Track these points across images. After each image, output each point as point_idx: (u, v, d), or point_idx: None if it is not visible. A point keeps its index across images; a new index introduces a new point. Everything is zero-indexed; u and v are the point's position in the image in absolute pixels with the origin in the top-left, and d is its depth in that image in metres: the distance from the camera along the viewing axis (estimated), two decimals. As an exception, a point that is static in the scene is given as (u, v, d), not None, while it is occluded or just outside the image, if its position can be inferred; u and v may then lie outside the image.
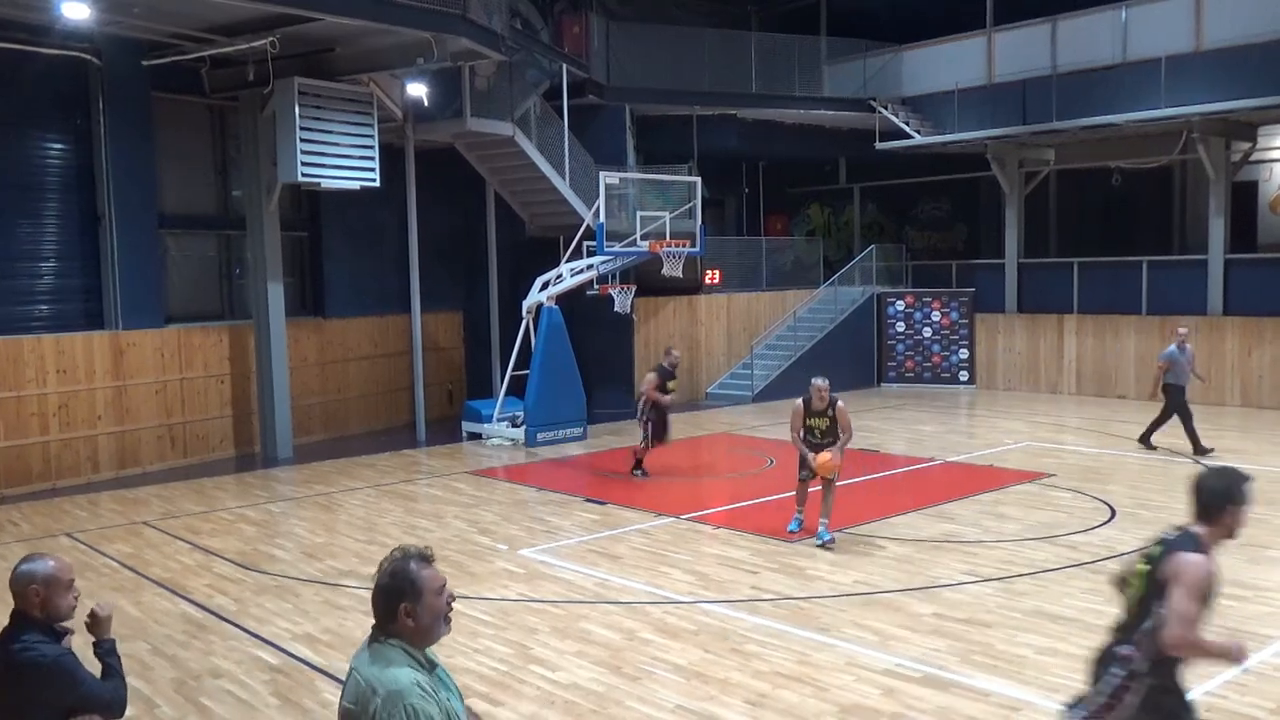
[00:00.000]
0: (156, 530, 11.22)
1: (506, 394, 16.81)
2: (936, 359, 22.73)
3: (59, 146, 14.05)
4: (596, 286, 16.99)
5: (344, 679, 3.18)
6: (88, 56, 13.78)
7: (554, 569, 9.43)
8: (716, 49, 22.04)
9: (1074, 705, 4.36)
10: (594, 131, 19.89)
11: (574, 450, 15.85)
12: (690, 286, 20.70)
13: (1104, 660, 4.22)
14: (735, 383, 21.44)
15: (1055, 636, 7.37)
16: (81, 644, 3.92)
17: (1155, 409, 14.72)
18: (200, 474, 14.35)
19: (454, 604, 3.20)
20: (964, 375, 22.44)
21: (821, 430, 9.97)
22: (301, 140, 14.03)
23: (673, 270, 16.40)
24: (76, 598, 3.87)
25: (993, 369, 22.22)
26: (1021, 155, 22.09)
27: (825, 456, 9.78)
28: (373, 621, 3.15)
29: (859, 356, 22.65)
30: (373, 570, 3.19)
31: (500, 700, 6.49)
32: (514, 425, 16.31)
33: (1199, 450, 13.96)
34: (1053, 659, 6.97)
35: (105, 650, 3.94)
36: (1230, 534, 4.21)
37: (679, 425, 15.89)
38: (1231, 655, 4.09)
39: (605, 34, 20.54)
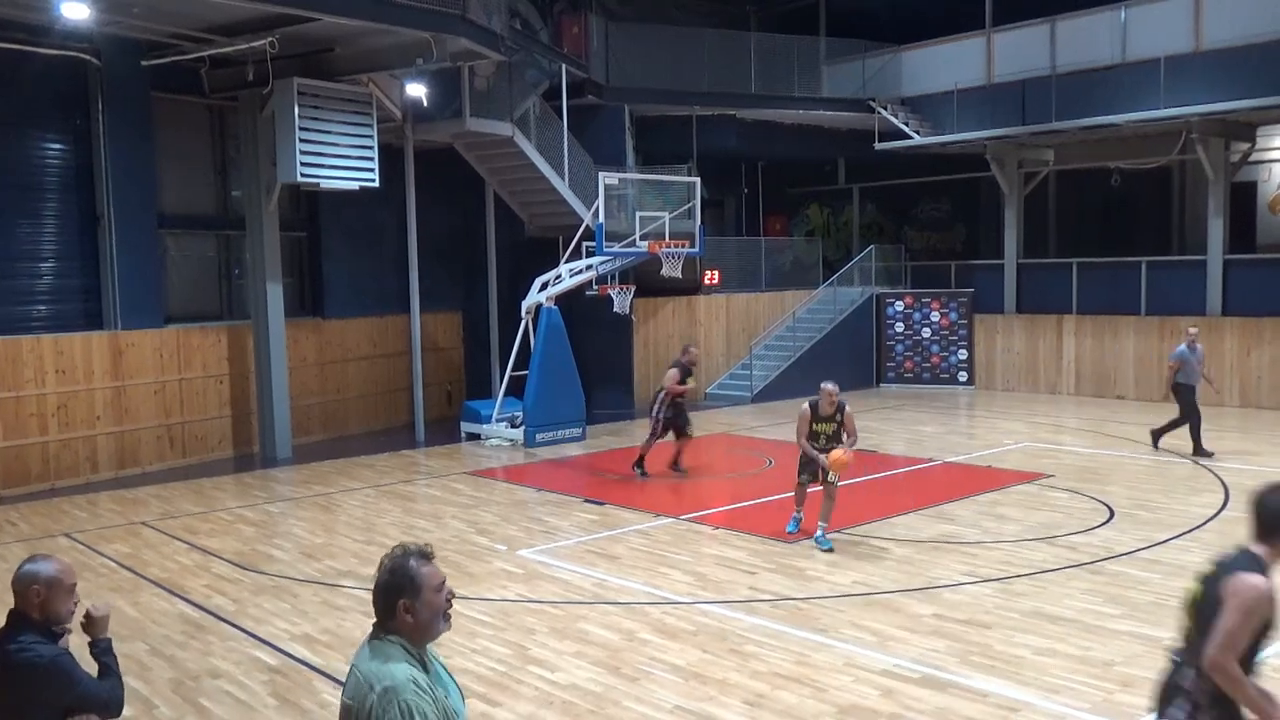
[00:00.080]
0: (155, 530, 11.22)
1: (505, 394, 16.81)
2: (935, 359, 22.73)
3: (58, 146, 14.05)
4: (596, 287, 16.99)
5: (345, 677, 3.19)
6: (87, 56, 13.78)
7: (552, 569, 9.43)
8: (716, 49, 22.04)
9: None
10: (593, 132, 19.90)
11: (573, 451, 15.85)
12: (689, 287, 20.70)
13: (1168, 693, 4.00)
14: (734, 383, 21.44)
15: (1054, 637, 7.37)
16: (79, 644, 3.92)
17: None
18: (199, 474, 14.35)
19: (453, 602, 3.21)
20: (963, 376, 22.44)
21: (828, 435, 9.93)
22: (301, 140, 14.03)
23: (672, 271, 16.39)
24: (76, 603, 3.87)
25: (992, 369, 22.22)
26: (1020, 156, 22.09)
27: (838, 453, 9.73)
28: (372, 621, 3.16)
29: (858, 357, 22.66)
30: (371, 571, 3.19)
31: (498, 701, 6.49)
32: (513, 426, 16.31)
33: (1199, 452, 13.96)
34: (1051, 660, 6.97)
35: (101, 650, 3.94)
36: None
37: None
38: (1264, 713, 3.77)
39: (604, 34, 20.54)
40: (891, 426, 17.41)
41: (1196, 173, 20.48)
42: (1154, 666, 6.78)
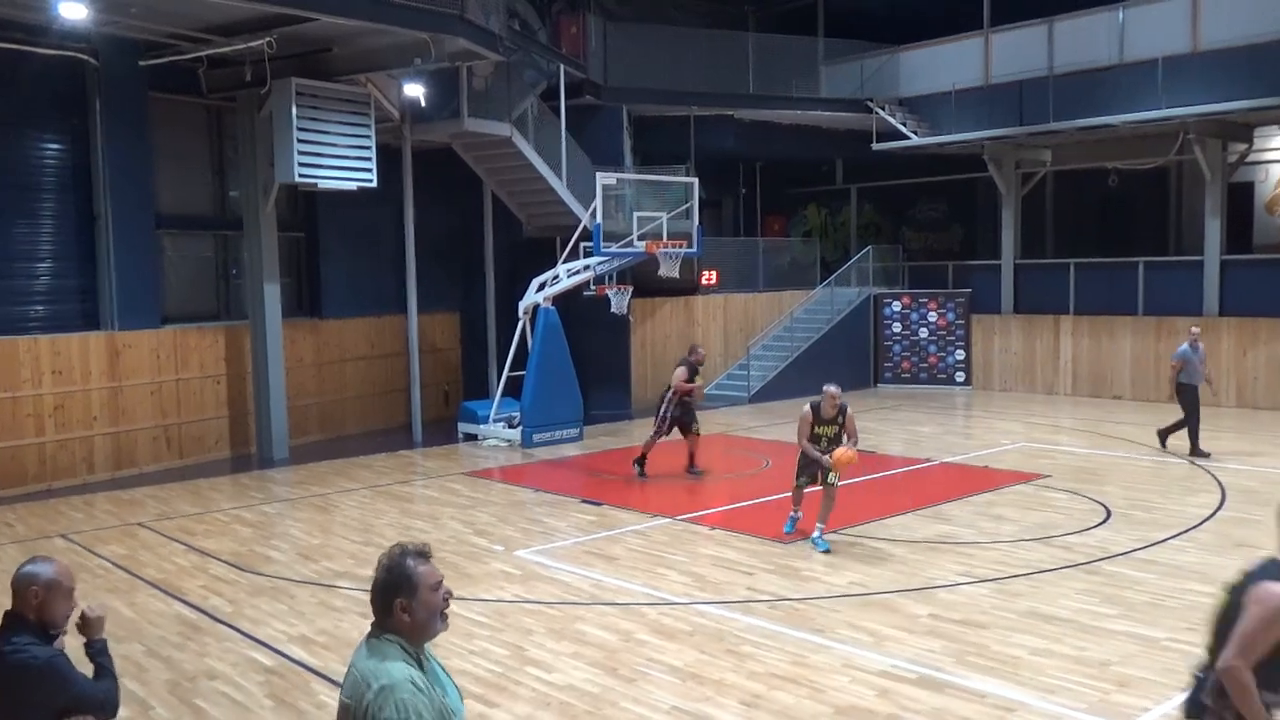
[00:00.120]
0: (151, 531, 11.21)
1: (503, 395, 16.80)
2: (933, 360, 22.75)
3: (55, 146, 14.03)
4: (593, 287, 16.98)
5: (342, 677, 3.19)
6: (84, 56, 13.76)
7: (550, 570, 9.43)
8: (714, 49, 22.04)
9: None
10: (591, 132, 19.89)
11: (570, 451, 15.85)
12: (687, 287, 20.70)
13: (1191, 709, 3.93)
14: (731, 383, 21.45)
15: (1050, 637, 7.38)
16: (74, 645, 3.92)
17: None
18: (196, 475, 14.33)
19: (451, 602, 3.22)
20: (960, 376, 22.45)
21: (829, 438, 9.91)
22: (298, 140, 14.02)
23: (669, 271, 16.39)
24: (73, 608, 3.87)
25: (989, 370, 22.24)
26: (1018, 156, 22.10)
27: (843, 452, 9.70)
28: (369, 621, 3.17)
29: (855, 357, 22.66)
30: (368, 572, 3.19)
31: (496, 702, 6.49)
32: (510, 426, 16.30)
33: (1196, 452, 13.97)
34: (1047, 660, 6.97)
35: (97, 650, 3.94)
36: None
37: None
38: None
39: (603, 34, 20.53)
40: (889, 427, 17.42)
41: (1194, 173, 20.50)
42: (1150, 666, 6.82)
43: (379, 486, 13.41)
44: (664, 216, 16.37)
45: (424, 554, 3.16)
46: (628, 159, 20.70)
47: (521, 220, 19.43)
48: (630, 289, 17.17)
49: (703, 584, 8.89)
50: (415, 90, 16.20)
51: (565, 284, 16.37)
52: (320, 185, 14.77)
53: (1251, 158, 20.06)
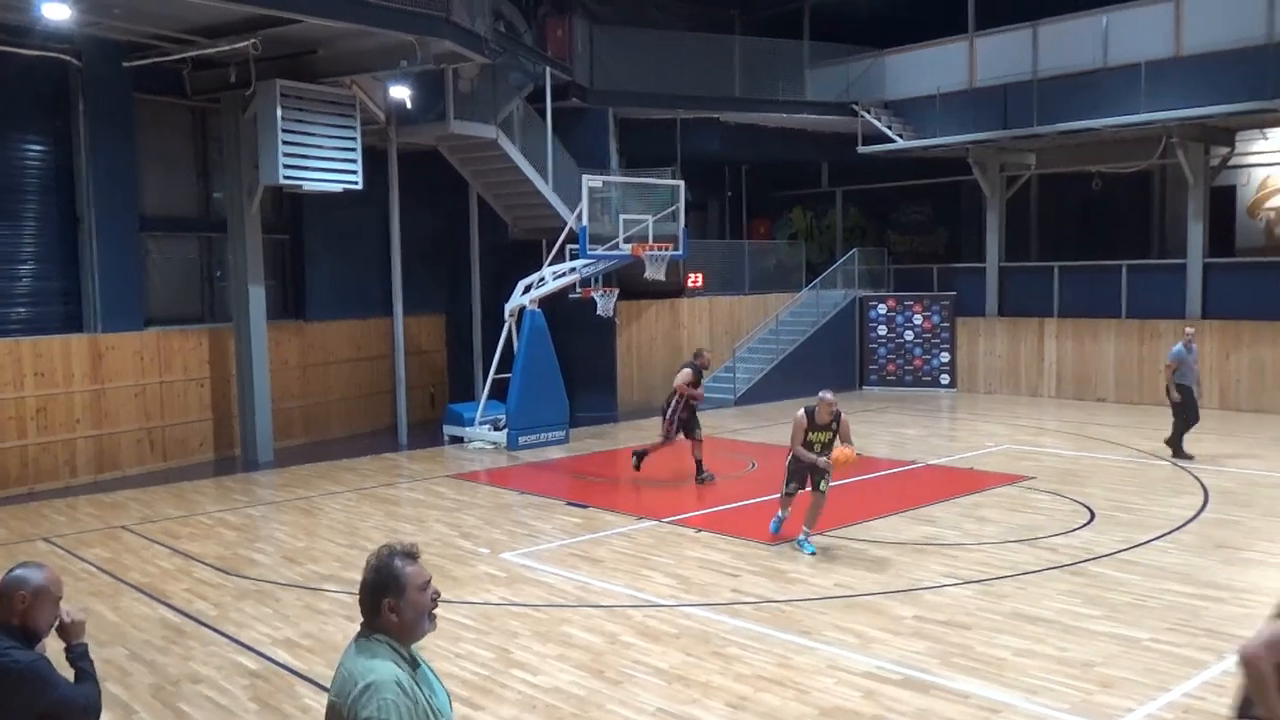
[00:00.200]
0: (135, 535, 11.15)
1: (489, 397, 16.77)
2: (918, 362, 22.83)
3: (38, 148, 13.94)
4: (579, 289, 16.99)
5: (328, 680, 3.19)
6: (68, 58, 13.68)
7: (535, 573, 9.42)
8: (700, 52, 22.08)
9: None
10: (577, 134, 19.90)
11: (556, 454, 15.84)
12: (673, 290, 20.72)
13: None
14: (717, 386, 21.43)
15: (1034, 638, 7.41)
16: (55, 649, 3.89)
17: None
18: (180, 478, 14.26)
19: (439, 601, 3.22)
20: (945, 378, 22.54)
21: (823, 444, 9.83)
22: (283, 142, 13.97)
23: (655, 273, 16.39)
24: (57, 617, 3.85)
25: (974, 372, 22.32)
26: (1002, 159, 22.20)
27: (841, 450, 9.67)
28: (355, 623, 3.17)
29: (841, 360, 22.71)
30: (353, 575, 3.20)
31: (481, 705, 6.48)
32: (496, 429, 16.28)
33: (1179, 454, 14.04)
34: (1031, 661, 7.01)
35: (78, 654, 3.91)
36: None
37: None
38: None
39: (589, 37, 20.54)
40: (874, 429, 17.46)
41: (1176, 177, 20.62)
42: (1133, 667, 6.86)
43: (364, 489, 13.37)
44: (650, 219, 16.37)
45: (412, 554, 3.17)
46: (613, 161, 20.72)
47: (507, 222, 19.42)
48: (616, 291, 17.17)
49: (688, 586, 8.90)
50: (401, 92, 16.19)
51: (551, 286, 16.36)
52: (305, 187, 14.73)
53: (1233, 161, 20.20)
